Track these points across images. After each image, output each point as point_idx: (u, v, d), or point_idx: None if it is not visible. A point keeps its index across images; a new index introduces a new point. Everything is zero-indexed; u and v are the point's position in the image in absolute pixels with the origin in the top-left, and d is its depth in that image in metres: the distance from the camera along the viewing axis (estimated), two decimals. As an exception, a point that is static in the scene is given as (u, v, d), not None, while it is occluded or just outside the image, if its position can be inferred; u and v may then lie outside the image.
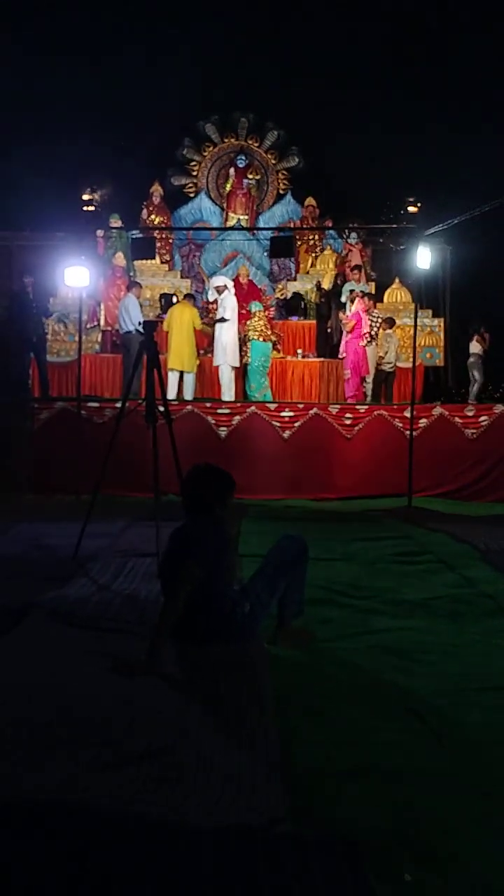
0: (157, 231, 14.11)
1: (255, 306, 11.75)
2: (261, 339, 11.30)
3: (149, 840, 1.77)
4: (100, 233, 13.80)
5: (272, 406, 9.99)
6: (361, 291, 11.92)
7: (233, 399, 10.80)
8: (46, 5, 16.66)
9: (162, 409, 5.27)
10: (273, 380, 11.98)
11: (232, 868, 1.70)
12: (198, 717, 2.59)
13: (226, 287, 11.26)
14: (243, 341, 11.40)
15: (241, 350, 11.39)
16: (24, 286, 10.32)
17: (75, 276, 9.51)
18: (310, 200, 15.14)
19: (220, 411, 9.82)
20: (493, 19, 16.81)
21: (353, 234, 14.10)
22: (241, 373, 11.56)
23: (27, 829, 1.79)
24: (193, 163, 15.83)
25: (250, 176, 15.33)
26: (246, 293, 12.76)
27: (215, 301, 11.67)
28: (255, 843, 1.80)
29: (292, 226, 14.78)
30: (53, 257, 11.63)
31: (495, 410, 9.95)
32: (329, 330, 12.98)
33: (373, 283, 13.85)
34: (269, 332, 11.58)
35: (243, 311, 11.81)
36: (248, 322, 11.43)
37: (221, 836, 1.82)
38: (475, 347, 12.37)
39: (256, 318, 11.39)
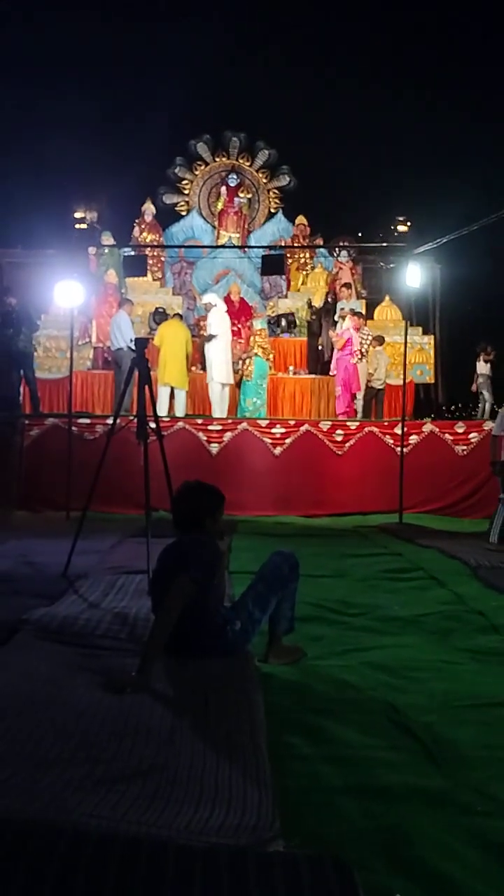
0: (148, 249, 14.17)
1: (260, 323, 11.78)
2: (263, 356, 11.32)
3: (139, 858, 1.76)
4: (92, 250, 13.85)
5: (263, 423, 10.01)
6: (352, 309, 12.00)
7: (224, 416, 10.82)
8: (40, 27, 16.82)
9: (153, 425, 5.28)
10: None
11: (222, 886, 1.68)
12: (188, 735, 2.57)
13: (214, 304, 11.31)
14: (247, 357, 11.38)
15: (241, 365, 11.40)
16: (8, 303, 10.32)
17: (67, 295, 9.55)
18: (300, 219, 15.26)
19: (211, 428, 9.84)
20: (484, 41, 17.10)
21: (344, 253, 14.21)
22: (237, 388, 11.55)
23: (15, 847, 1.77)
24: (185, 181, 15.94)
25: (241, 194, 15.46)
26: (238, 311, 12.82)
27: (206, 316, 11.73)
28: (245, 860, 1.78)
29: (283, 244, 14.88)
30: (45, 274, 11.66)
31: (485, 427, 10.00)
32: (320, 347, 13.04)
33: (363, 301, 13.94)
34: (269, 350, 11.62)
35: (234, 329, 11.85)
36: (253, 338, 11.44)
37: (212, 853, 1.80)
38: (482, 367, 12.47)
39: (261, 336, 11.41)
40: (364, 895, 1.72)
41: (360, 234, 14.82)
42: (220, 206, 15.43)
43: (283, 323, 13.72)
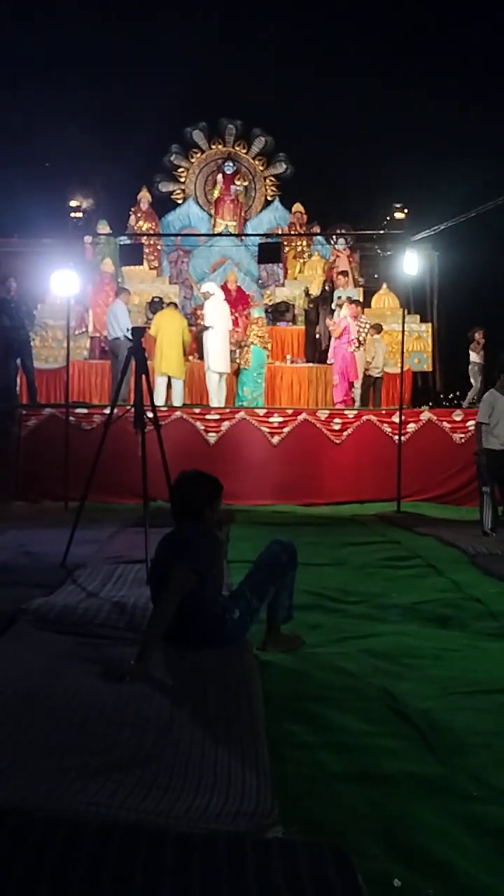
0: (145, 237, 14.11)
1: (258, 312, 11.74)
2: (261, 344, 11.29)
3: (137, 846, 1.76)
4: (88, 239, 13.78)
5: (261, 412, 10.00)
6: (349, 298, 11.97)
7: (222, 405, 10.80)
8: (35, 14, 16.66)
9: (150, 415, 5.27)
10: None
11: (221, 872, 1.69)
12: (187, 723, 2.58)
13: (212, 294, 11.28)
14: (244, 346, 11.35)
15: (239, 354, 11.37)
16: (7, 290, 10.27)
17: (63, 284, 9.51)
18: (297, 207, 15.19)
19: (208, 417, 9.82)
20: (480, 27, 16.97)
21: (341, 240, 14.15)
22: (235, 377, 11.53)
23: (15, 837, 1.78)
24: (181, 169, 15.85)
25: (238, 182, 15.37)
26: (234, 299, 12.77)
27: (203, 305, 11.70)
28: (244, 847, 1.79)
29: (280, 232, 14.82)
30: (41, 263, 11.60)
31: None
32: (318, 335, 13.01)
33: (360, 289, 13.90)
34: (267, 339, 11.58)
35: (233, 317, 11.82)
36: (251, 327, 11.40)
37: (211, 841, 1.81)
38: (472, 355, 12.49)
39: (259, 325, 11.37)
40: (362, 881, 1.73)
41: (358, 223, 14.72)
42: (216, 193, 15.35)
43: (285, 310, 13.69)
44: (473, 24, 17.39)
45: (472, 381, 12.60)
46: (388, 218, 14.72)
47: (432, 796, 2.27)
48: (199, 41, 16.78)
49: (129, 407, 5.60)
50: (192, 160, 15.84)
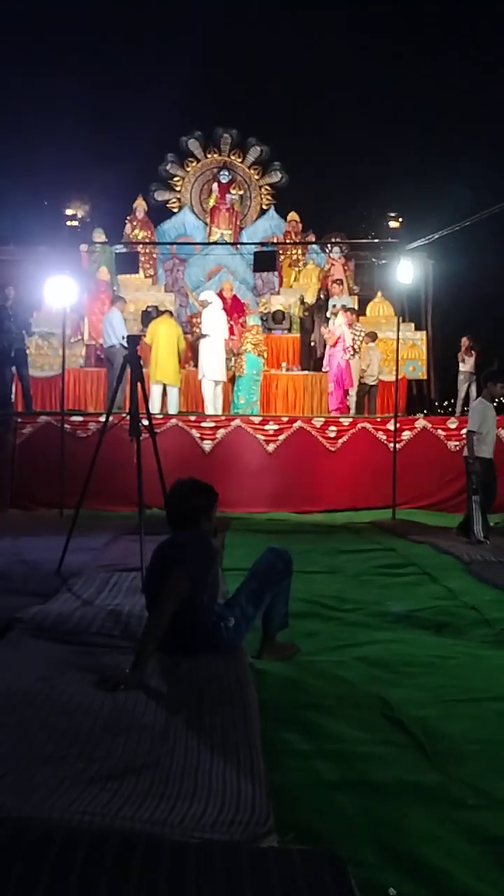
0: (140, 246, 14.14)
1: (253, 319, 11.78)
2: (255, 352, 11.30)
3: (132, 855, 1.76)
4: (84, 247, 13.81)
5: (256, 419, 10.01)
6: (343, 306, 12.00)
7: (217, 413, 10.81)
8: (33, 24, 16.75)
9: (146, 422, 5.27)
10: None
11: (216, 882, 1.69)
12: (182, 731, 2.58)
13: (209, 303, 11.30)
14: (238, 353, 11.36)
15: (234, 362, 11.39)
16: (6, 298, 10.28)
17: (58, 292, 9.52)
18: (293, 215, 15.25)
19: (204, 425, 9.82)
20: (472, 41, 17.13)
21: (336, 249, 14.21)
22: (231, 385, 11.54)
23: (9, 846, 1.77)
24: (177, 178, 15.91)
25: (233, 191, 15.43)
26: (230, 307, 12.79)
27: (199, 314, 11.72)
28: (239, 856, 1.79)
29: (275, 240, 14.87)
30: (37, 272, 11.62)
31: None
32: (313, 343, 13.04)
33: (355, 297, 13.94)
34: (263, 347, 11.61)
35: (229, 325, 11.84)
36: (245, 335, 11.42)
37: (206, 850, 1.81)
38: (461, 364, 12.52)
39: (254, 332, 11.40)
40: (357, 889, 1.72)
41: (353, 232, 14.81)
42: (211, 202, 15.41)
43: (282, 319, 13.72)
44: (467, 37, 17.55)
45: (458, 388, 12.62)
46: (384, 227, 14.81)
47: (427, 804, 2.27)
48: (196, 51, 16.90)
49: (124, 415, 5.61)
50: (188, 169, 15.90)
